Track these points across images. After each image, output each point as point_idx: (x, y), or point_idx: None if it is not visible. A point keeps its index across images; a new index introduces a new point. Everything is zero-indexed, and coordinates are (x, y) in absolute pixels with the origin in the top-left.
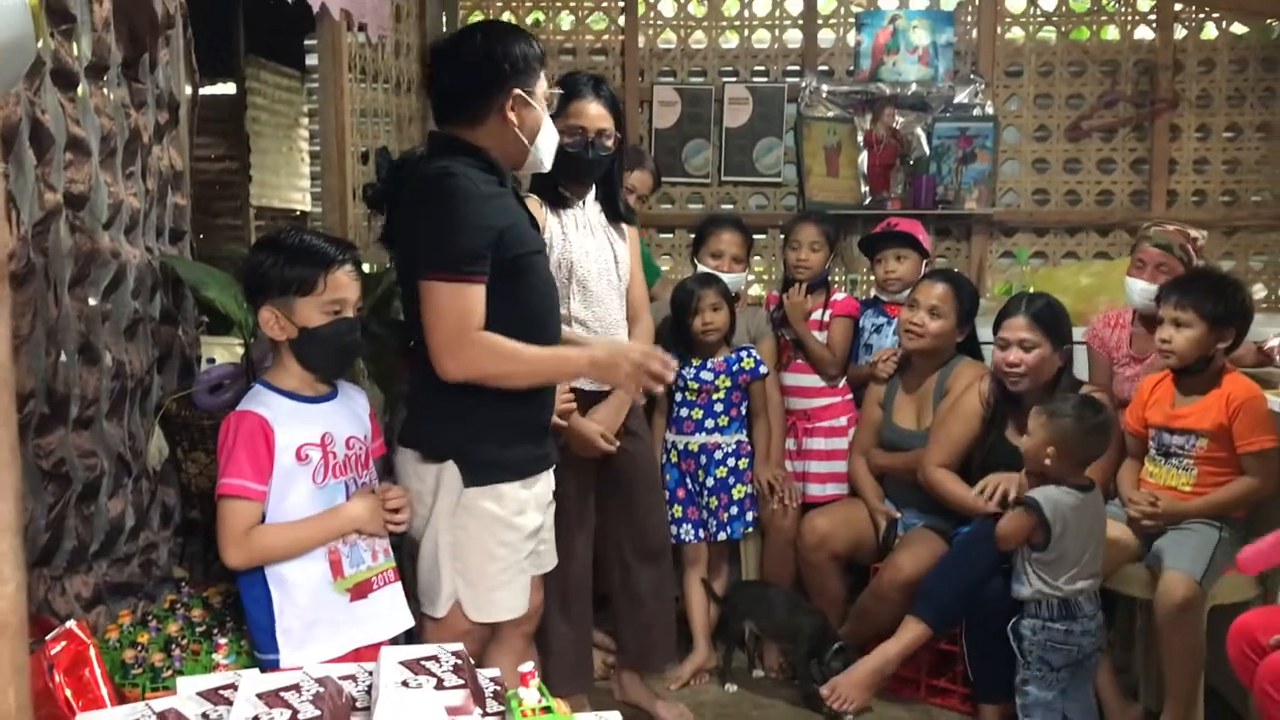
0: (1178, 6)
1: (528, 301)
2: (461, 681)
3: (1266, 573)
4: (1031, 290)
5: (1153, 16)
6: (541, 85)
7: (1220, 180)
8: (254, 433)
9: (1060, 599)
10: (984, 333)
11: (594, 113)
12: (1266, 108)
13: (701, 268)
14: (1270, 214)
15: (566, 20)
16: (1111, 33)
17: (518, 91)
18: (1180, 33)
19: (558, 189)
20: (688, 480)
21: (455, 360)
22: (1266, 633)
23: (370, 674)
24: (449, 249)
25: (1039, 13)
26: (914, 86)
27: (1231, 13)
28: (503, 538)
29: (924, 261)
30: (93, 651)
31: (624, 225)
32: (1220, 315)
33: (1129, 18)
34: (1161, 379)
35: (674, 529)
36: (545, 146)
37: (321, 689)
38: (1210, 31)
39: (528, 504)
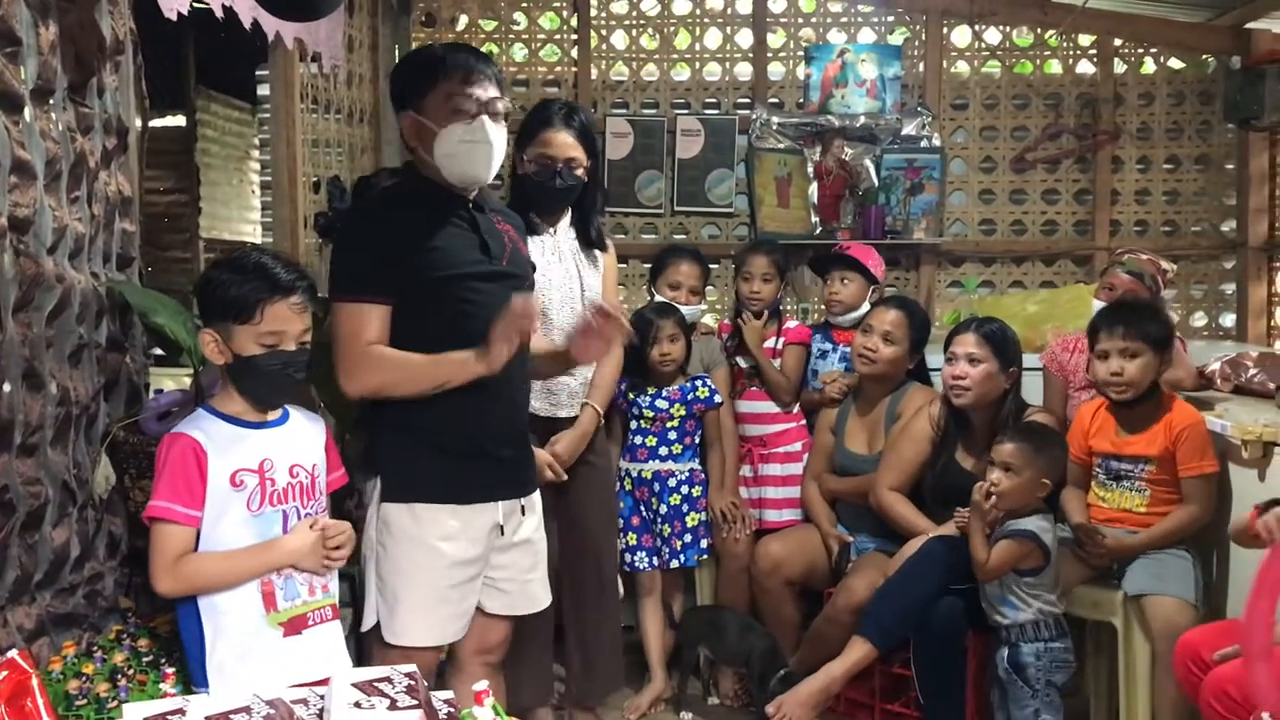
0: (1117, 42)
1: (463, 326)
2: (415, 702)
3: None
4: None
5: (1094, 51)
6: (452, 93)
7: (1161, 211)
8: (185, 455)
9: (1055, 617)
10: (934, 360)
11: (562, 141)
12: (1204, 140)
13: (659, 298)
14: (1209, 244)
15: (520, 52)
16: (1054, 67)
17: (409, 113)
18: (1120, 67)
19: (528, 216)
20: (641, 508)
21: (347, 377)
22: (1210, 649)
23: (322, 697)
24: (343, 270)
25: (984, 47)
26: (862, 119)
27: (1169, 48)
28: (417, 559)
29: (870, 288)
30: (35, 681)
31: (598, 251)
32: (1162, 339)
33: (1071, 52)
34: (1099, 406)
35: (628, 556)
36: (461, 157)
37: (272, 711)
38: (1149, 66)
39: (457, 532)
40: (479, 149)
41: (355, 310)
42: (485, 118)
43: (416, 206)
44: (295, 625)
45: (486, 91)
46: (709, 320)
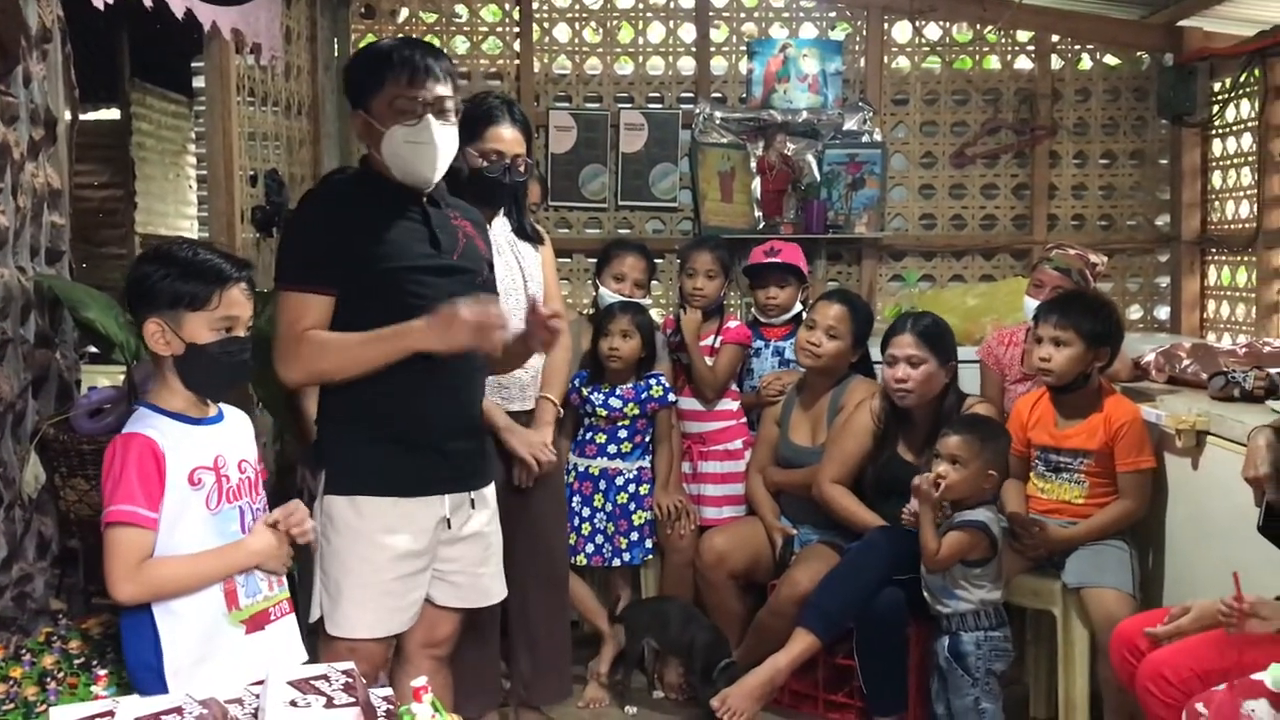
0: (1055, 38)
1: (405, 318)
2: (352, 699)
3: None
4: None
5: (1031, 47)
6: (398, 93)
7: (1098, 205)
8: (144, 456)
9: (995, 606)
10: (876, 353)
11: (510, 137)
12: (1139, 135)
13: (603, 289)
14: (1145, 238)
15: (461, 45)
16: (993, 63)
17: (359, 112)
18: (1057, 63)
19: None
20: (577, 499)
21: (283, 364)
22: (1145, 637)
23: (258, 697)
24: (287, 258)
25: (924, 43)
26: (804, 114)
27: (1105, 45)
28: (360, 551)
29: (801, 286)
30: None
31: (535, 243)
32: (1098, 334)
33: (1009, 48)
34: (1038, 399)
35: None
36: (406, 156)
37: (205, 711)
38: (1086, 62)
39: (400, 525)
40: (424, 150)
41: (297, 299)
42: (431, 118)
43: (367, 198)
44: (258, 621)
45: (433, 90)
46: (654, 315)
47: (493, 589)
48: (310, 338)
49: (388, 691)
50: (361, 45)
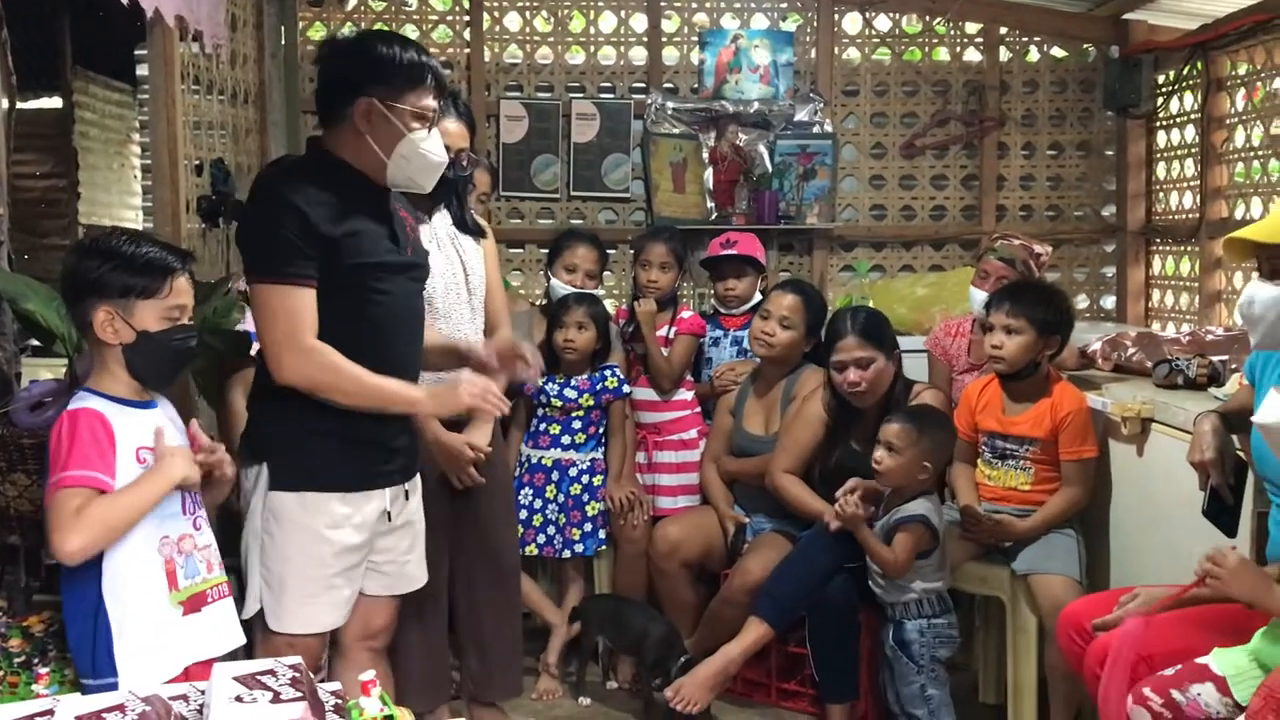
0: (1003, 30)
1: (371, 315)
2: (299, 694)
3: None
4: (855, 303)
5: (980, 39)
6: (421, 100)
7: (1045, 196)
8: (94, 426)
9: (939, 593)
10: None
11: (455, 131)
12: (1085, 127)
13: (555, 281)
14: (1091, 229)
15: (411, 33)
16: (942, 54)
17: (373, 100)
18: (1005, 55)
19: None
20: (527, 491)
21: (289, 364)
22: (1091, 619)
23: (203, 693)
24: (269, 251)
25: (874, 34)
26: (756, 104)
27: (1052, 37)
28: (306, 548)
29: (760, 276)
30: None
31: (477, 236)
32: (1049, 322)
33: (958, 40)
34: (987, 384)
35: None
36: (416, 165)
37: (148, 708)
38: (1033, 54)
39: (346, 519)
40: (434, 162)
41: (287, 293)
42: (435, 130)
43: (336, 188)
44: (195, 603)
45: (435, 104)
46: (608, 306)
47: (417, 575)
48: (320, 352)
49: (336, 686)
50: (347, 30)
